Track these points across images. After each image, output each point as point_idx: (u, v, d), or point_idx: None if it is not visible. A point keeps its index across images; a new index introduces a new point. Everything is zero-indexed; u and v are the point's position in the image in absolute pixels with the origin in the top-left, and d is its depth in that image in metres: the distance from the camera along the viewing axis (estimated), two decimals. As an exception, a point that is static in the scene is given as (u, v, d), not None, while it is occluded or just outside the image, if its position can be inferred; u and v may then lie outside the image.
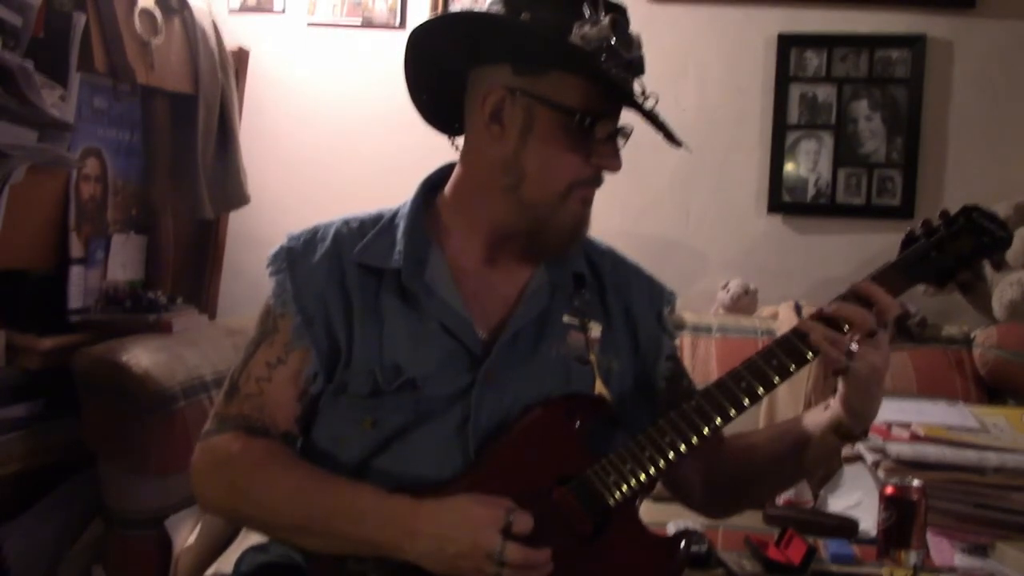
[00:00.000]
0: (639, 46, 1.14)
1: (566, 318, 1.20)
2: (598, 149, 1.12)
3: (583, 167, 1.13)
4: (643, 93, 1.13)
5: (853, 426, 1.09)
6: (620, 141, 1.15)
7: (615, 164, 1.14)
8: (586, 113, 1.10)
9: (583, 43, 1.08)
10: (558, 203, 1.13)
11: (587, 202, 1.16)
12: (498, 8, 1.11)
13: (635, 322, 1.26)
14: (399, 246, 1.16)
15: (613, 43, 1.08)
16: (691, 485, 1.26)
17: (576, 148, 1.11)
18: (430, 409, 1.11)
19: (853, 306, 1.05)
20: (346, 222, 1.22)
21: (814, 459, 1.16)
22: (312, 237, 1.20)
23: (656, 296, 1.30)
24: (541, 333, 1.18)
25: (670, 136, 1.15)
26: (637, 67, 1.14)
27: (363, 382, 1.12)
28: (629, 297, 1.27)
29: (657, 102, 1.13)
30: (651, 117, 1.12)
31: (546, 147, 1.11)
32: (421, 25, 1.15)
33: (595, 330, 1.21)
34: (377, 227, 1.20)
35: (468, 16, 1.14)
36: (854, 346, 1.05)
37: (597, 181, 1.15)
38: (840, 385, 1.08)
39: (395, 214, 1.22)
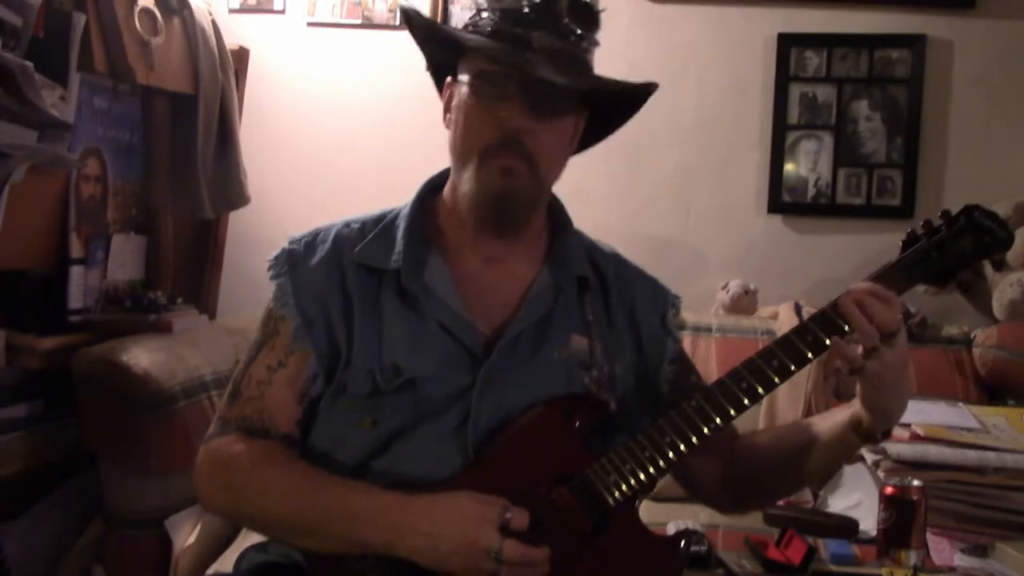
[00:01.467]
0: (554, 9, 1.11)
1: (574, 336, 1.19)
2: (502, 109, 1.11)
3: (489, 132, 1.11)
4: (549, 51, 1.10)
5: (875, 425, 1.08)
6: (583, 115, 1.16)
7: (515, 120, 1.10)
8: (474, 75, 1.12)
9: (486, 16, 1.13)
10: (476, 174, 1.13)
11: (508, 172, 1.11)
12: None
13: (638, 325, 1.26)
14: (399, 247, 1.17)
15: (507, 6, 1.11)
16: (708, 482, 1.25)
17: (481, 113, 1.12)
18: (429, 409, 1.11)
19: (878, 305, 1.03)
20: (347, 224, 1.22)
21: (833, 459, 1.16)
22: (313, 239, 1.21)
23: (660, 299, 1.29)
24: (543, 336, 1.18)
25: (569, 81, 1.10)
26: (538, 19, 1.11)
27: (362, 382, 1.12)
28: (633, 300, 1.27)
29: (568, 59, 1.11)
30: (524, 64, 1.08)
31: (459, 120, 1.15)
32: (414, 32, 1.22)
33: (598, 346, 1.20)
34: (377, 228, 1.21)
35: (406, 20, 1.21)
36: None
37: (508, 144, 1.11)
38: (859, 384, 1.07)
39: (396, 215, 1.23)
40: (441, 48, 1.19)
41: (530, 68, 1.08)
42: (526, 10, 1.11)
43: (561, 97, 1.13)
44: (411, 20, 1.20)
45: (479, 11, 1.15)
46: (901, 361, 1.05)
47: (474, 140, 1.13)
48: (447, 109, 1.19)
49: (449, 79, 1.19)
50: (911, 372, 1.08)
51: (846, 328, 1.04)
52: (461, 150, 1.15)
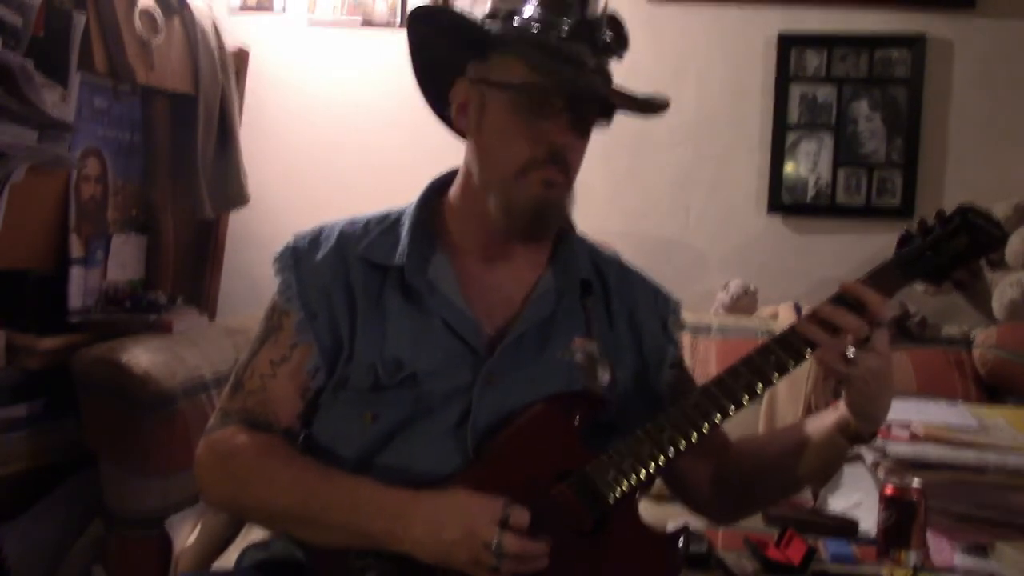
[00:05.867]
0: (598, 26, 1.12)
1: (576, 340, 1.19)
2: (550, 125, 1.11)
3: (536, 146, 1.11)
4: (598, 70, 1.12)
5: (861, 428, 1.09)
6: (602, 123, 1.15)
7: (564, 137, 1.11)
8: (526, 88, 1.10)
9: (522, 23, 1.10)
10: (513, 185, 1.12)
11: (550, 184, 1.13)
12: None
13: (639, 330, 1.26)
14: (403, 243, 1.18)
15: (545, 14, 1.10)
16: (698, 489, 1.25)
17: (525, 126, 1.11)
18: (430, 405, 1.12)
19: (847, 313, 1.04)
20: (351, 221, 1.23)
21: (823, 462, 1.16)
22: (317, 236, 1.22)
23: (661, 304, 1.30)
24: (546, 337, 1.18)
25: (635, 105, 1.13)
26: (588, 37, 1.11)
27: (364, 376, 1.13)
28: (634, 305, 1.27)
29: (612, 61, 1.13)
30: (580, 84, 1.10)
31: (497, 129, 1.13)
32: (408, 25, 1.18)
33: (599, 340, 1.21)
34: (382, 226, 1.22)
35: (419, 12, 1.17)
36: (851, 351, 1.04)
37: (555, 160, 1.12)
38: (844, 389, 1.08)
39: (400, 214, 1.24)
40: (461, 47, 1.16)
41: (600, 92, 1.11)
42: (570, 23, 1.10)
43: (599, 114, 1.15)
44: (434, 14, 1.17)
45: (510, 16, 1.12)
46: (884, 366, 1.06)
47: (515, 152, 1.12)
48: (463, 110, 1.16)
49: (467, 80, 1.16)
50: (893, 375, 1.09)
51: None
52: (500, 161, 1.13)
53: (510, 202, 1.13)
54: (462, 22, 1.14)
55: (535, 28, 1.10)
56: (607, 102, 1.13)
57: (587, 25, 1.11)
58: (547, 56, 1.09)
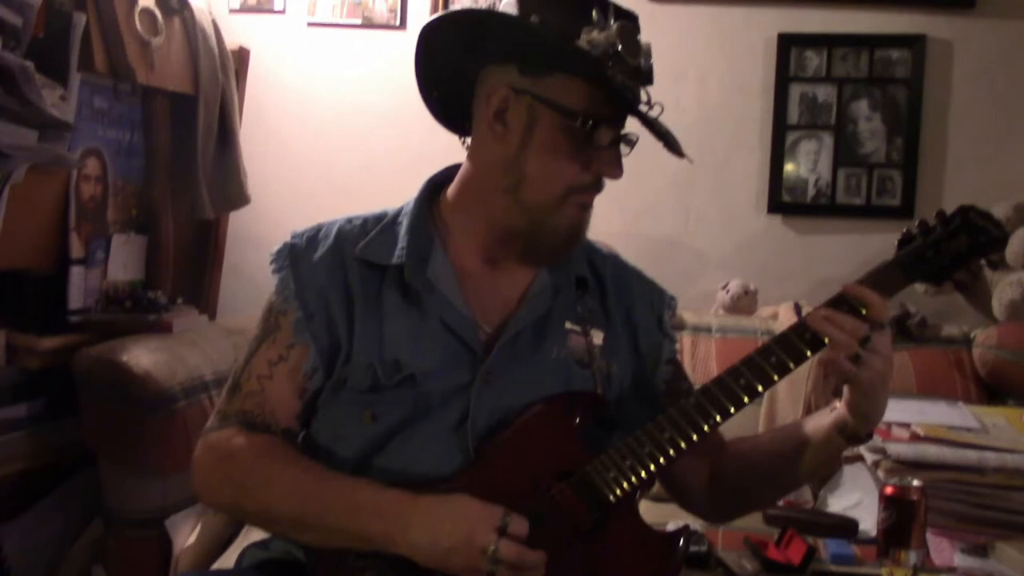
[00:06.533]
0: (648, 55, 1.14)
1: (568, 324, 1.20)
2: (599, 155, 1.13)
3: (583, 172, 1.13)
4: (648, 102, 1.14)
5: (859, 428, 1.09)
6: (624, 149, 1.16)
7: (616, 172, 1.14)
8: (588, 117, 1.10)
9: (589, 48, 1.08)
10: (555, 206, 1.13)
11: (585, 207, 1.16)
12: (510, 9, 1.12)
13: (636, 326, 1.27)
14: (401, 243, 1.17)
15: (620, 50, 1.09)
16: (694, 488, 1.26)
17: (577, 152, 1.12)
18: (429, 405, 1.12)
19: (848, 314, 1.04)
20: (349, 220, 1.23)
21: (819, 461, 1.16)
22: (315, 235, 1.21)
23: (657, 300, 1.30)
24: (542, 335, 1.18)
25: (672, 146, 1.15)
26: (645, 76, 1.14)
27: (363, 376, 1.13)
28: (630, 302, 1.28)
29: (662, 111, 1.13)
30: (653, 126, 1.12)
31: (547, 149, 1.12)
32: (431, 22, 1.16)
33: (596, 337, 1.21)
34: (380, 225, 1.21)
35: (476, 14, 1.14)
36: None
37: (597, 187, 1.15)
38: (845, 390, 1.08)
39: (398, 213, 1.23)
40: (495, 52, 1.13)
41: (671, 141, 1.13)
42: (637, 62, 1.11)
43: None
44: (488, 17, 1.12)
45: (567, 34, 1.09)
46: (887, 367, 1.06)
47: (564, 175, 1.12)
48: (500, 116, 1.13)
49: (509, 86, 1.12)
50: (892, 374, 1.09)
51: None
52: (547, 182, 1.12)
53: (547, 222, 1.14)
54: (530, 31, 1.10)
55: (608, 58, 1.09)
56: (664, 140, 1.14)
57: (642, 59, 1.13)
58: (626, 92, 1.10)
